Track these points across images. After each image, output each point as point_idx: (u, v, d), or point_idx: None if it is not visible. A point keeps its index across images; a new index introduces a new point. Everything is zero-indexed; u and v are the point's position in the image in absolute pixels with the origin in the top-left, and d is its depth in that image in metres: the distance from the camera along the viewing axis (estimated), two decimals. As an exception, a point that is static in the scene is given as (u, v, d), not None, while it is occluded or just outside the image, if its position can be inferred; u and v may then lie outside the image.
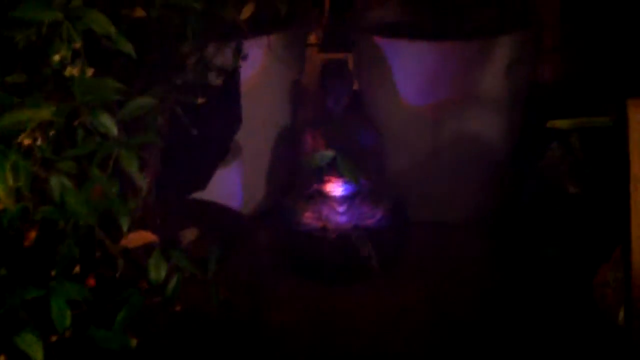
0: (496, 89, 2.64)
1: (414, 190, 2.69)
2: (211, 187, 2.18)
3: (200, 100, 1.68)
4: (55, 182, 1.24)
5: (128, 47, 1.26)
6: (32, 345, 1.19)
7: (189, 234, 1.77)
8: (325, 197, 2.57)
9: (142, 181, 1.43)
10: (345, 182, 2.56)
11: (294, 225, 2.55)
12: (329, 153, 2.09)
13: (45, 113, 1.18)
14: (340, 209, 2.56)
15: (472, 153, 2.69)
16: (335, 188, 2.58)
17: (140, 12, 1.40)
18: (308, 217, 2.56)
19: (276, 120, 2.82)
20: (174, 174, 2.03)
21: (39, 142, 1.20)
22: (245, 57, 1.88)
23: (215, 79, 1.87)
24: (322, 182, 2.58)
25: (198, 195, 2.18)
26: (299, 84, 2.84)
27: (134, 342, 1.29)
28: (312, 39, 3.06)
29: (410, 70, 2.65)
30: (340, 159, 2.07)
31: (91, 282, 1.35)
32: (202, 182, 2.24)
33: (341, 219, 2.54)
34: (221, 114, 2.15)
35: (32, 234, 1.28)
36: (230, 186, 2.52)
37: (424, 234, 2.65)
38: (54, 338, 1.24)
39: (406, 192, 2.66)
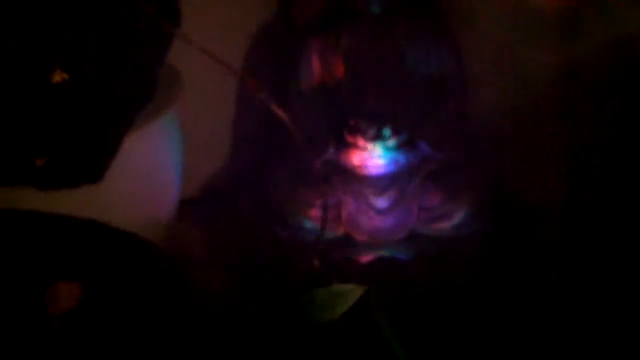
0: None
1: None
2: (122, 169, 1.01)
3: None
4: None
5: None
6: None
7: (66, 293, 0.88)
8: (350, 175, 1.28)
9: None
10: (394, 148, 1.27)
11: (282, 232, 1.27)
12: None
13: None
14: (382, 202, 1.27)
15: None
16: (372, 159, 1.28)
17: None
18: (314, 217, 1.27)
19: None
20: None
21: None
22: None
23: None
24: (344, 146, 1.28)
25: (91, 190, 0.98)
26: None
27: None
28: None
29: None
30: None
31: None
32: (95, 168, 1.01)
33: (383, 223, 1.26)
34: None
35: None
36: (157, 162, 1.22)
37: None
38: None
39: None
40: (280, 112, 0.93)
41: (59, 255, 0.94)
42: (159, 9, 1.07)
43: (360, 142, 1.26)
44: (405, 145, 1.27)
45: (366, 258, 1.25)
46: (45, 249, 0.95)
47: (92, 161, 1.04)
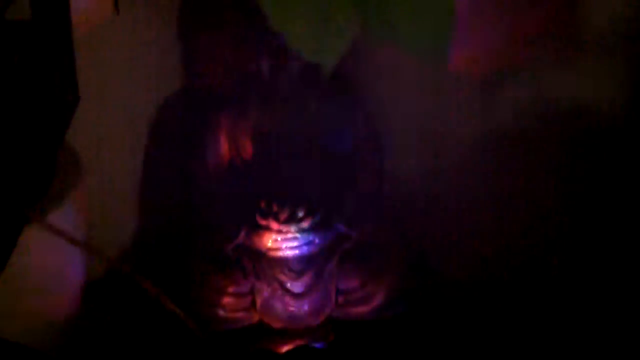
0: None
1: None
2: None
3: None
4: None
5: None
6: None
7: None
8: (264, 260, 1.21)
9: None
10: (308, 229, 1.21)
11: (198, 320, 1.19)
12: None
13: None
14: (297, 286, 1.20)
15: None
16: (286, 241, 1.21)
17: None
18: (228, 305, 1.20)
19: (151, 99, 1.40)
20: None
21: None
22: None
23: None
24: (256, 228, 1.21)
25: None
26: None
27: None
28: None
29: None
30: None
31: None
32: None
33: (300, 308, 1.19)
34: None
35: None
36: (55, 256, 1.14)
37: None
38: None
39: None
40: (175, 309, 0.87)
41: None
42: (60, 83, 1.00)
43: (273, 224, 1.20)
44: (319, 226, 1.21)
45: (283, 348, 1.18)
46: None
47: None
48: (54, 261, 1.15)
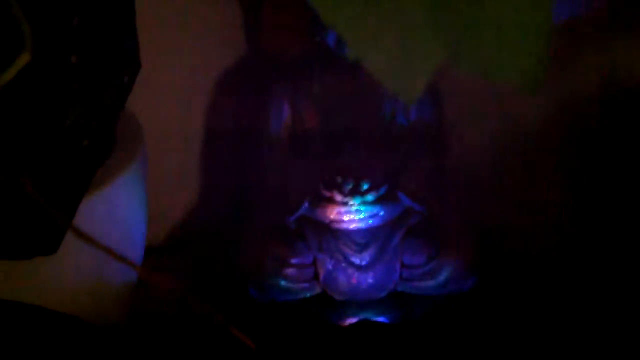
0: None
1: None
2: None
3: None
4: None
5: None
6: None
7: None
8: (327, 232, 1.19)
9: None
10: (373, 202, 1.18)
11: (253, 289, 1.18)
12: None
13: None
14: (362, 259, 1.18)
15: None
16: (350, 214, 1.19)
17: None
18: (291, 276, 1.18)
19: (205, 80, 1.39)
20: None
21: None
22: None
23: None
24: (319, 200, 1.19)
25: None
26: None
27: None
28: None
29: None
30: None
31: None
32: (50, 237, 0.91)
33: (364, 281, 1.17)
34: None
35: None
36: (117, 225, 1.13)
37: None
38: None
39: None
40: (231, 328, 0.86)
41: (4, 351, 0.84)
42: (121, 58, 0.98)
43: (337, 196, 1.18)
44: (384, 199, 1.18)
45: (347, 320, 1.16)
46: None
47: (47, 230, 0.95)
48: (112, 236, 1.14)
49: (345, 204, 1.17)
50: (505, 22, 0.70)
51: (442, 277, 1.17)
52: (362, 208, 1.18)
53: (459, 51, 0.69)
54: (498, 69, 0.73)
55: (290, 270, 1.18)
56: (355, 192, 1.17)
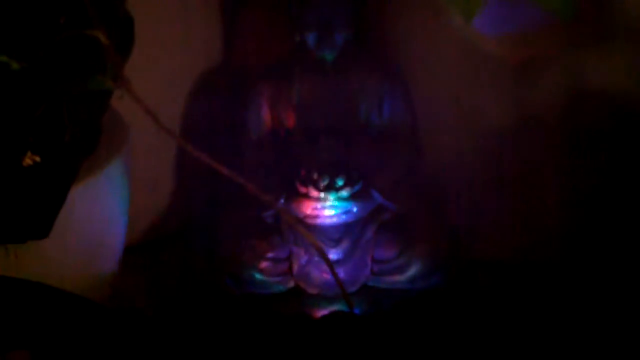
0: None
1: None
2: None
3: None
4: None
5: None
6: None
7: None
8: (300, 225, 1.23)
9: None
10: (347, 198, 1.23)
11: (229, 280, 1.22)
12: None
13: None
14: (335, 253, 1.23)
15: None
16: (325, 209, 1.24)
17: None
18: (266, 270, 1.22)
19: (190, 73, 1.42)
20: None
21: None
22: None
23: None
24: (295, 196, 1.24)
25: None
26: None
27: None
28: None
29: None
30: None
31: None
32: (42, 222, 0.95)
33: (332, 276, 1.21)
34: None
35: None
36: (103, 213, 1.17)
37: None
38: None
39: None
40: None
41: (5, 323, 0.88)
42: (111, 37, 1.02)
43: (313, 192, 1.22)
44: (358, 195, 1.23)
45: (319, 313, 1.20)
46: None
47: (39, 215, 0.98)
48: (97, 224, 1.17)
49: (320, 199, 1.22)
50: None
51: (411, 272, 1.22)
52: (336, 204, 1.22)
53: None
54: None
55: (265, 264, 1.22)
56: (331, 188, 1.21)
